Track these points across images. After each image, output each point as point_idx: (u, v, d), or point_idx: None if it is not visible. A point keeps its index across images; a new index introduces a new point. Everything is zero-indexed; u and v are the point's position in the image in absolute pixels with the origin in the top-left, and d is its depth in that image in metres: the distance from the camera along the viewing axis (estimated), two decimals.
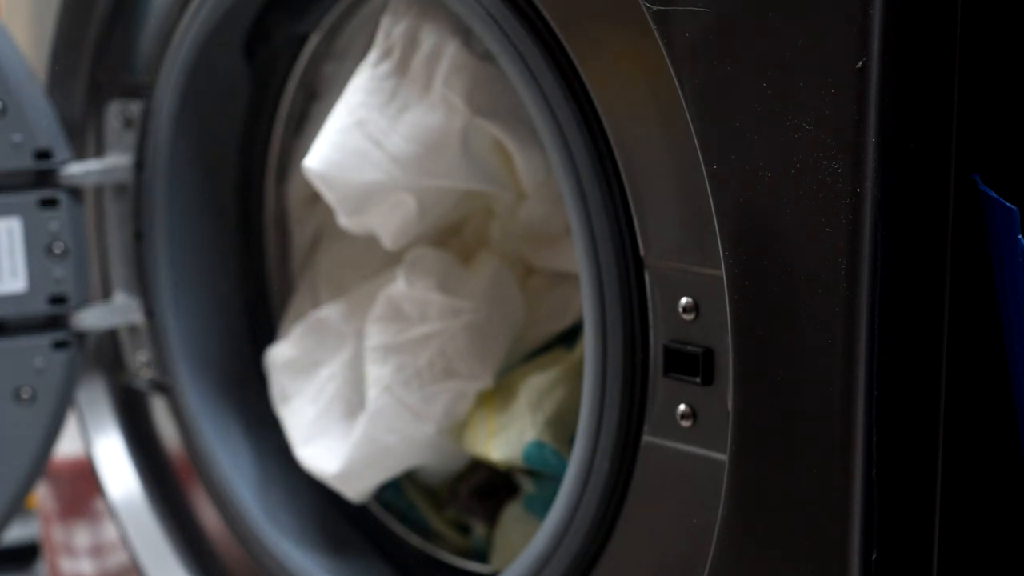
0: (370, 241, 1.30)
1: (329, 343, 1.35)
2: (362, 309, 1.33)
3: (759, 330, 0.91)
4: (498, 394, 1.26)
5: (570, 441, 1.22)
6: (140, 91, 1.38)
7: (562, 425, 1.22)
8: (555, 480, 1.24)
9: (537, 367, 1.26)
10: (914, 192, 0.87)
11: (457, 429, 1.29)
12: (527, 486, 1.29)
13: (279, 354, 1.36)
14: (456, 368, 1.25)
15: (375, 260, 1.37)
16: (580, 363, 1.22)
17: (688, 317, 0.97)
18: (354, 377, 1.32)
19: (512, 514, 1.31)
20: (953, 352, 0.90)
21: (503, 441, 1.22)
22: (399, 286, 1.26)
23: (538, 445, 1.21)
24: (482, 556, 1.34)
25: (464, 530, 1.38)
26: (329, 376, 1.34)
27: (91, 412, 1.48)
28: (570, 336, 1.28)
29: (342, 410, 1.33)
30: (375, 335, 1.27)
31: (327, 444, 1.31)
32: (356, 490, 1.31)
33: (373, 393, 1.26)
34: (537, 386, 1.23)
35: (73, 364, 1.38)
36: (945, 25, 0.86)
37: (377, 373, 1.26)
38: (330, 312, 1.35)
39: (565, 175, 1.02)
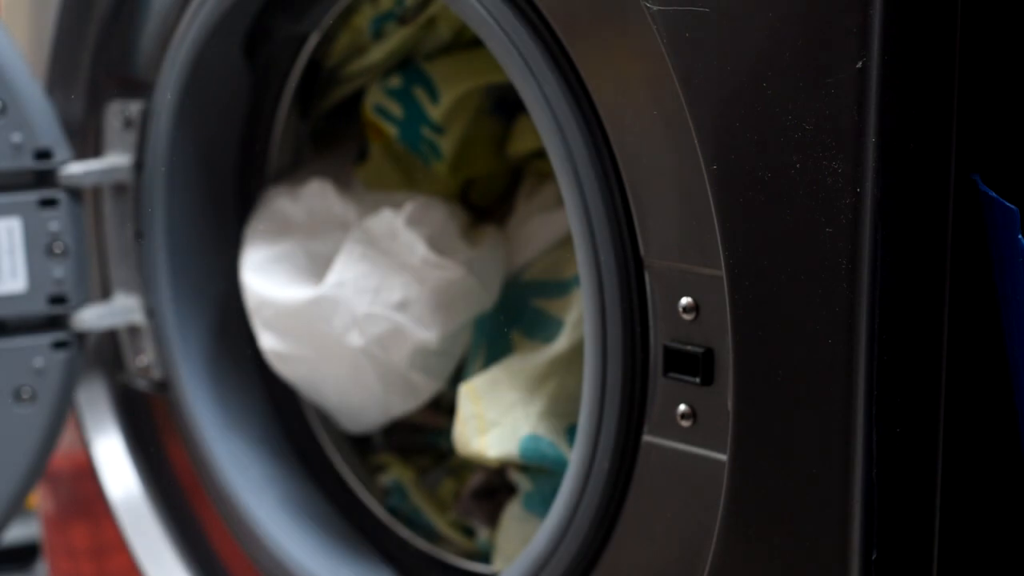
0: None
1: (319, 210, 1.36)
2: (365, 207, 1.34)
3: (759, 330, 0.91)
4: (485, 391, 1.26)
5: (565, 433, 1.22)
6: (140, 91, 1.38)
7: (556, 417, 1.22)
8: (552, 476, 1.24)
9: (522, 362, 1.26)
10: (914, 192, 0.87)
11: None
12: (524, 484, 1.29)
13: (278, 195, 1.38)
14: (409, 305, 1.26)
15: None
16: (566, 355, 1.22)
17: (688, 317, 0.97)
18: (326, 250, 1.34)
19: (512, 514, 1.31)
20: (953, 352, 0.90)
21: (497, 437, 1.22)
22: (397, 223, 1.28)
23: (534, 438, 1.21)
24: (487, 557, 1.34)
25: (469, 532, 1.38)
26: (306, 235, 1.36)
27: (91, 412, 1.48)
28: (551, 331, 1.28)
29: (298, 265, 1.35)
30: (363, 234, 1.29)
31: (274, 281, 1.34)
32: (266, 343, 1.34)
33: (331, 279, 1.29)
34: (527, 380, 1.24)
35: (73, 364, 1.38)
36: (945, 25, 0.86)
37: (344, 264, 1.29)
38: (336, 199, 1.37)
39: (565, 175, 1.02)
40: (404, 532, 1.38)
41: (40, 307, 1.36)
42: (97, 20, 1.40)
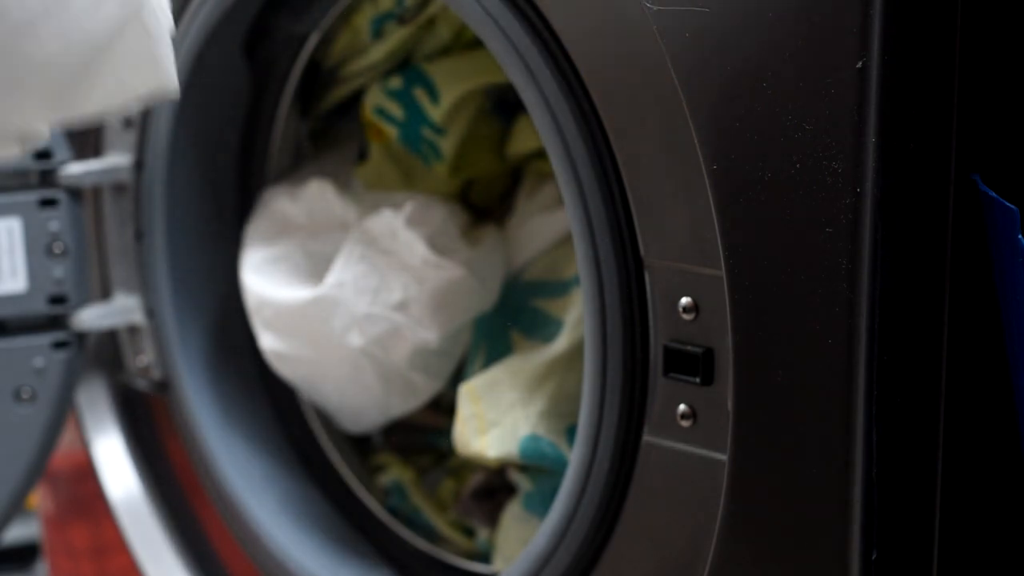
0: None
1: (319, 210, 1.36)
2: (365, 207, 1.34)
3: (759, 330, 0.91)
4: (485, 391, 1.26)
5: (565, 433, 1.22)
6: None
7: (555, 417, 1.22)
8: (551, 476, 1.24)
9: (522, 362, 1.26)
10: (914, 192, 0.87)
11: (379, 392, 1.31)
12: (523, 484, 1.29)
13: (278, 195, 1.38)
14: (409, 306, 1.27)
15: None
16: (565, 355, 1.22)
17: (688, 317, 0.97)
18: (326, 251, 1.34)
19: (512, 514, 1.31)
20: (953, 352, 0.90)
21: (497, 437, 1.22)
22: (397, 223, 1.28)
23: (533, 438, 1.21)
24: (487, 557, 1.34)
25: (469, 532, 1.38)
26: (306, 235, 1.36)
27: (91, 412, 1.48)
28: (551, 331, 1.28)
29: (298, 266, 1.35)
30: (363, 234, 1.29)
31: (274, 281, 1.34)
32: (266, 343, 1.34)
33: (331, 279, 1.29)
34: (526, 380, 1.24)
35: (73, 364, 1.38)
36: (945, 25, 0.86)
37: (344, 264, 1.29)
38: (337, 199, 1.37)
39: (565, 175, 1.02)
40: (404, 532, 1.38)
41: (40, 307, 1.36)
42: None
